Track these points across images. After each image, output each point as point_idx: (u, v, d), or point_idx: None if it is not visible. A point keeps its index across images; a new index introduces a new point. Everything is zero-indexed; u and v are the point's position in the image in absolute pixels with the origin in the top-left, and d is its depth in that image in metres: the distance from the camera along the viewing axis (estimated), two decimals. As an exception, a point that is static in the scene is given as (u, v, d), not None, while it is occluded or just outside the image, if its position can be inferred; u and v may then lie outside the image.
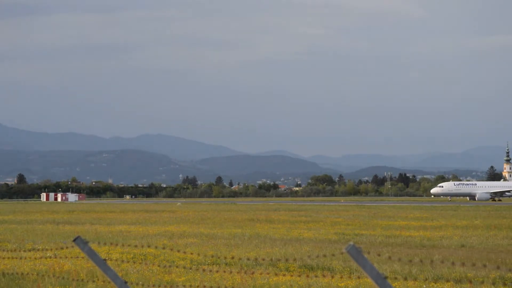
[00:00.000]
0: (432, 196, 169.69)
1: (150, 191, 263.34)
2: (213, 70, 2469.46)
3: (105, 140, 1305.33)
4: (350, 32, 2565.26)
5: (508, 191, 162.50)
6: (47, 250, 29.42)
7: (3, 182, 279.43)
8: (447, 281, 21.22)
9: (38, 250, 29.33)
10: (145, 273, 22.63)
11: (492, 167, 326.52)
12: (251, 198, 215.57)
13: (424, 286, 20.48)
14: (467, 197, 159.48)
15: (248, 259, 24.02)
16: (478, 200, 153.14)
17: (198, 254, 26.67)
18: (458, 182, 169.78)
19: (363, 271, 9.28)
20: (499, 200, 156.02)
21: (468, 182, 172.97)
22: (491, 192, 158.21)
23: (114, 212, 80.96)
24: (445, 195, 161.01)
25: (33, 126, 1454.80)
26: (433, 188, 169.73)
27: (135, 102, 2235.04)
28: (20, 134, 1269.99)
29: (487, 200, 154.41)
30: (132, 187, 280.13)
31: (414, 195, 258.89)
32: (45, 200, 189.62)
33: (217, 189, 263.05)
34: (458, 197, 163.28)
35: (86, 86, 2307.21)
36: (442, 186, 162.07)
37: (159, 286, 18.40)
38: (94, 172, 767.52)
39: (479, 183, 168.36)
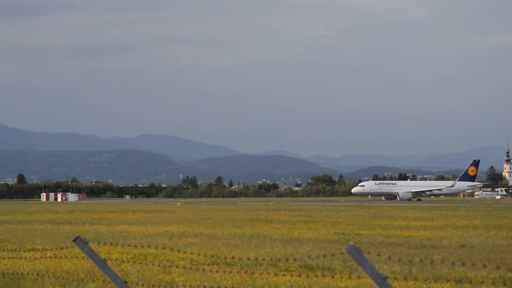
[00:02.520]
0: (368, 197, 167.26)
1: (150, 191, 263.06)
2: (213, 70, 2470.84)
3: (105, 140, 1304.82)
4: (350, 32, 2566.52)
5: (430, 191, 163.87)
6: (47, 250, 29.42)
7: (3, 182, 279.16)
8: (447, 281, 21.23)
9: (38, 250, 29.32)
10: (145, 273, 22.63)
11: (492, 167, 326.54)
12: (251, 198, 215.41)
13: (424, 286, 20.48)
14: (383, 197, 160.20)
15: (248, 259, 24.02)
16: (400, 199, 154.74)
17: (198, 254, 26.67)
18: (379, 182, 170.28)
19: (363, 271, 9.29)
20: (419, 199, 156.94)
21: (388, 182, 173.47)
22: (413, 192, 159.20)
23: (114, 212, 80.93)
24: (366, 194, 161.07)
25: (33, 126, 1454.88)
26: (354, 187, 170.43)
27: (135, 102, 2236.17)
28: (20, 134, 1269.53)
29: (409, 199, 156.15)
30: (132, 187, 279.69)
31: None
32: (45, 200, 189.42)
33: (217, 189, 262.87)
34: (380, 197, 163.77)
35: (86, 86, 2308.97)
36: (364, 186, 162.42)
37: (159, 286, 18.41)
38: (94, 172, 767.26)
39: (399, 183, 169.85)
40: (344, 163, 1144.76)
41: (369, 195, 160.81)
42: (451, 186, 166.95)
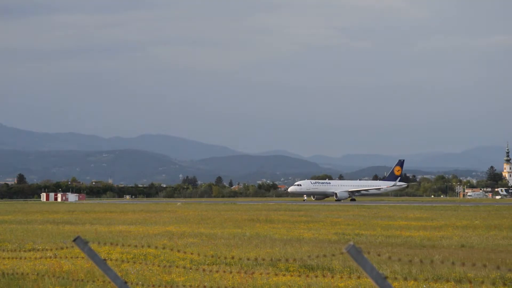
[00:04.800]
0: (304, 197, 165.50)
1: (150, 191, 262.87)
2: (213, 70, 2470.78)
3: (105, 140, 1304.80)
4: (351, 32, 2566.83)
5: (366, 190, 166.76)
6: (47, 250, 29.43)
7: (3, 182, 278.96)
8: (447, 281, 21.24)
9: (38, 250, 29.34)
10: (145, 273, 22.64)
11: (492, 167, 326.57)
12: (251, 198, 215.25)
13: (424, 286, 20.49)
14: (312, 197, 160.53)
15: (248, 259, 24.03)
16: (338, 199, 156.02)
17: (198, 254, 26.67)
18: (314, 181, 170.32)
19: (363, 271, 9.29)
20: (353, 199, 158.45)
21: (323, 181, 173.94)
22: (349, 191, 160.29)
23: (114, 212, 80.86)
24: (303, 193, 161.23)
25: (33, 126, 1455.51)
26: (291, 187, 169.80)
27: (135, 102, 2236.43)
28: (20, 134, 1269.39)
29: (346, 198, 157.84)
30: (132, 187, 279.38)
31: (414, 195, 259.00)
32: (45, 200, 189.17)
33: (217, 189, 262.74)
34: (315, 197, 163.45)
35: (86, 86, 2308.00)
36: (300, 185, 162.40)
37: (159, 286, 18.41)
38: (94, 172, 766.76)
39: (333, 182, 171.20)
40: (344, 163, 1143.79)
41: (305, 194, 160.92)
42: (393, 186, 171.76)
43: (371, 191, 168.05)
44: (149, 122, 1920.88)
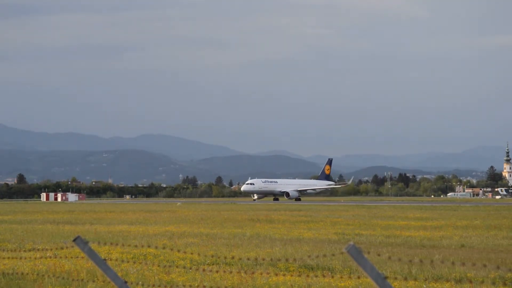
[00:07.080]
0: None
1: (150, 191, 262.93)
2: (213, 70, 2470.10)
3: (105, 140, 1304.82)
4: (351, 32, 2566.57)
5: (313, 189, 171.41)
6: (47, 250, 29.43)
7: (3, 182, 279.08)
8: (447, 281, 21.25)
9: (38, 250, 29.34)
10: (145, 273, 22.64)
11: (492, 167, 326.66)
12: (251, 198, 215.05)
13: (424, 286, 20.50)
14: (253, 195, 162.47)
15: (248, 259, 24.03)
16: (290, 198, 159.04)
17: (198, 254, 26.67)
18: (265, 180, 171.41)
19: (363, 271, 9.30)
20: (298, 199, 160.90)
21: (271, 180, 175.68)
22: (298, 190, 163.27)
23: (114, 212, 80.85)
24: (254, 192, 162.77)
25: (33, 126, 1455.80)
26: (243, 185, 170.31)
27: (135, 102, 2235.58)
28: (20, 134, 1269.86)
29: (295, 198, 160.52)
30: (132, 187, 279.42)
31: (414, 195, 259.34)
32: (45, 200, 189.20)
33: (217, 189, 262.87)
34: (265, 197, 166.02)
35: (86, 86, 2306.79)
36: (253, 184, 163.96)
37: (159, 286, 18.40)
38: (94, 172, 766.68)
39: (280, 181, 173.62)
40: (344, 163, 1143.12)
41: (256, 193, 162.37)
42: (347, 184, 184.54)
43: (318, 190, 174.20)
44: (149, 122, 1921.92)
